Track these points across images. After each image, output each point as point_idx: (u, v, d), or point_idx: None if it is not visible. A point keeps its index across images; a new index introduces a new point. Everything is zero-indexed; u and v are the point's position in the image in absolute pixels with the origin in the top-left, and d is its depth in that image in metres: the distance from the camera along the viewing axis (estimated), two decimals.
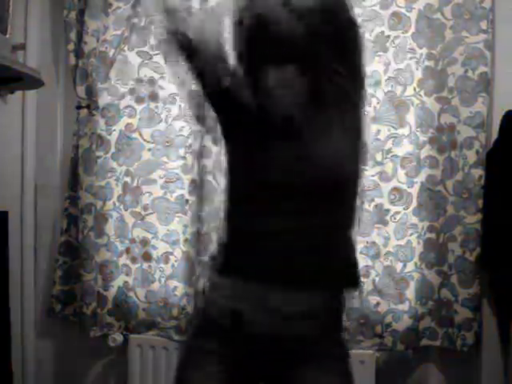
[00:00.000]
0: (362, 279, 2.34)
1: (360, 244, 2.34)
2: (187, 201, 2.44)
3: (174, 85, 2.42)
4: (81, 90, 2.45)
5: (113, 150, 2.47)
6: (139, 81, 2.47)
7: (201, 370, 1.38)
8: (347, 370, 1.43)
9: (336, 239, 1.40)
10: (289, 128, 1.36)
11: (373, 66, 2.33)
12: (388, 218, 2.34)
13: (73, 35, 2.45)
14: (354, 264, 1.44)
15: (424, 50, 2.31)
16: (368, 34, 2.32)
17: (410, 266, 2.33)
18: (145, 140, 2.47)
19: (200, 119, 2.22)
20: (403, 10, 2.32)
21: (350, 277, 1.43)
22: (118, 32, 2.44)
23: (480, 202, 2.26)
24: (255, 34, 1.33)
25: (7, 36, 2.05)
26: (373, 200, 2.34)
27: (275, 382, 1.43)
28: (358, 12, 2.34)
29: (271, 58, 1.33)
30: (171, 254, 2.45)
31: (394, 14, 2.32)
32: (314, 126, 1.36)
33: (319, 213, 1.36)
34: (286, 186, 1.34)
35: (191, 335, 1.49)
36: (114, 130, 2.47)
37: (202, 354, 1.40)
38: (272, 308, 1.34)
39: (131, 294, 2.47)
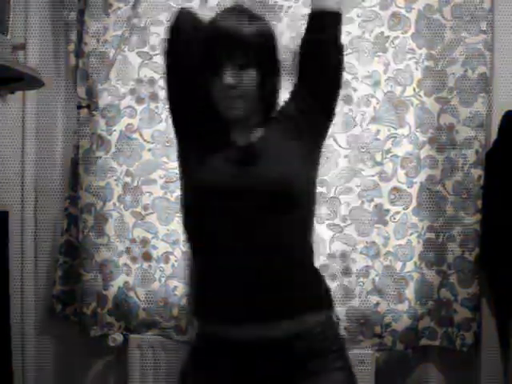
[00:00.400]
0: (362, 280, 2.34)
1: (360, 244, 2.34)
2: None
3: None
4: (81, 91, 2.45)
5: (113, 150, 2.47)
6: (139, 81, 2.47)
7: None
8: (349, 379, 1.44)
9: (300, 268, 1.42)
10: (241, 134, 1.44)
11: (372, 66, 2.34)
12: (388, 217, 2.34)
13: (73, 35, 2.45)
14: (318, 289, 1.46)
15: (423, 51, 2.31)
16: (367, 35, 2.33)
17: (410, 266, 2.33)
18: (145, 140, 2.47)
19: None
20: (403, 11, 2.32)
21: (316, 301, 1.44)
22: (118, 32, 2.44)
23: (479, 202, 2.26)
24: (217, 38, 1.41)
25: (7, 36, 2.05)
26: (373, 200, 2.34)
27: None
28: (357, 12, 2.35)
29: (230, 59, 1.40)
30: (171, 253, 2.45)
31: (394, 15, 2.33)
32: (267, 139, 1.44)
33: (275, 238, 1.37)
34: (237, 203, 1.36)
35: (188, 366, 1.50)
36: (115, 130, 2.47)
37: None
38: (260, 337, 1.36)
39: (131, 293, 2.47)
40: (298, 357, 1.38)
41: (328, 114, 1.51)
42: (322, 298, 1.46)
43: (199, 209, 1.42)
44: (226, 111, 1.44)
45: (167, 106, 1.58)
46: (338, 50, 1.49)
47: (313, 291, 1.43)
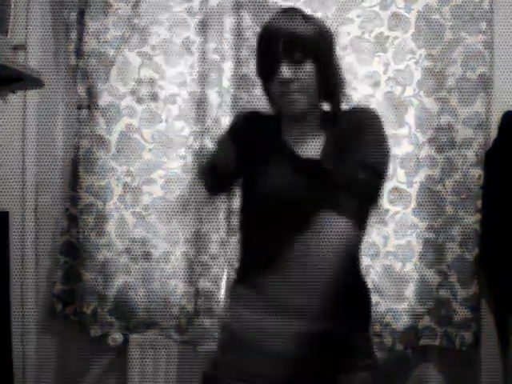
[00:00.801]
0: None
1: None
2: (187, 201, 2.44)
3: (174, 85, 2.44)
4: (81, 91, 2.46)
5: (113, 150, 2.47)
6: (139, 81, 2.47)
7: None
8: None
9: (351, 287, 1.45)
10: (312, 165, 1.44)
11: (372, 66, 2.34)
12: (388, 217, 2.34)
13: (73, 35, 2.45)
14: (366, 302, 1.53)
15: (423, 51, 2.32)
16: (367, 35, 2.33)
17: (410, 266, 2.33)
18: (145, 140, 2.48)
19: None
20: (402, 11, 2.33)
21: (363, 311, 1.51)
22: (119, 32, 2.44)
23: (479, 202, 2.26)
24: (271, 39, 1.44)
25: (8, 36, 2.05)
26: None
27: None
28: (357, 13, 2.35)
29: (287, 54, 1.42)
30: (171, 253, 2.46)
31: (394, 15, 2.33)
32: (331, 151, 1.46)
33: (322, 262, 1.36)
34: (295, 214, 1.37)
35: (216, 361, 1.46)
36: (115, 130, 2.47)
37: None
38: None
39: (131, 293, 2.47)
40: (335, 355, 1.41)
41: None
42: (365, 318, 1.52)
43: (257, 218, 1.45)
44: (285, 107, 1.45)
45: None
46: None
47: (363, 306, 1.50)
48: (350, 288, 1.43)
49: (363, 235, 1.45)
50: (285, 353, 1.31)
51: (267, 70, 1.45)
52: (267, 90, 1.50)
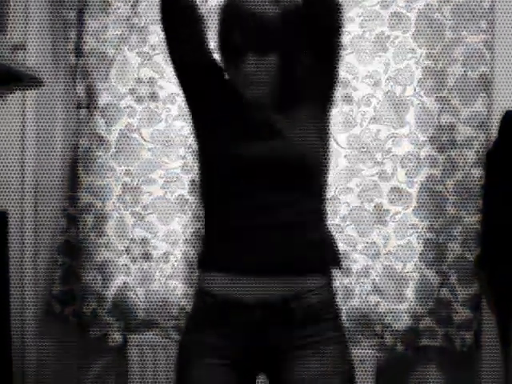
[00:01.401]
0: (362, 280, 2.34)
1: (360, 244, 2.34)
2: (187, 201, 2.44)
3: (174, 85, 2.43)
4: (80, 90, 2.45)
5: (113, 149, 2.47)
6: (139, 81, 2.46)
7: (201, 364, 1.39)
8: (343, 353, 1.41)
9: (308, 226, 1.42)
10: (262, 116, 1.41)
11: (373, 65, 2.34)
12: (388, 218, 2.34)
13: (72, 35, 2.45)
14: (330, 244, 1.46)
15: (424, 50, 2.31)
16: (368, 34, 2.33)
17: (410, 266, 2.33)
18: (145, 140, 2.47)
19: None
20: (403, 10, 2.32)
21: (329, 257, 1.45)
22: (118, 32, 2.44)
23: (480, 202, 2.26)
24: (236, 23, 1.37)
25: (7, 36, 2.05)
26: (372, 200, 2.34)
27: (275, 371, 1.42)
28: (358, 12, 2.35)
29: (251, 45, 1.36)
30: (171, 253, 2.45)
31: (394, 14, 2.33)
32: (285, 115, 1.41)
33: (289, 203, 1.38)
34: (257, 173, 1.37)
35: (187, 330, 1.49)
36: (114, 130, 2.47)
37: (200, 347, 1.40)
38: (255, 298, 1.36)
39: (131, 293, 2.47)
40: (296, 317, 1.38)
41: (332, 74, 1.48)
42: (328, 261, 1.45)
43: (218, 177, 1.41)
44: (245, 95, 1.41)
45: (174, 71, 1.52)
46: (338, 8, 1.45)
47: (321, 252, 1.43)
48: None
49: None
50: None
51: (229, 53, 1.40)
52: (228, 74, 1.44)
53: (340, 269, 1.48)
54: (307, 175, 1.41)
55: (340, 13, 1.46)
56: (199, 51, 1.49)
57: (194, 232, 2.42)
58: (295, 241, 1.38)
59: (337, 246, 1.48)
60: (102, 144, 2.45)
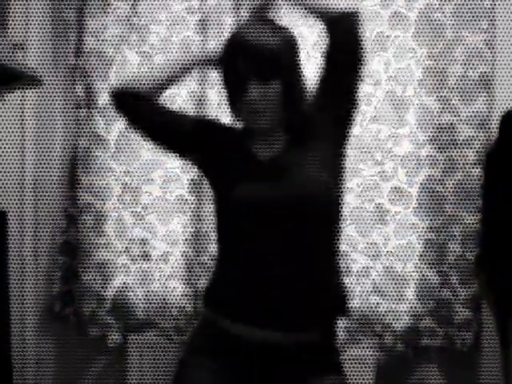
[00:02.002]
0: (362, 280, 2.34)
1: (360, 244, 2.34)
2: (187, 201, 2.43)
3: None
4: (80, 90, 2.45)
5: (112, 149, 2.47)
6: None
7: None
8: None
9: (322, 279, 1.43)
10: (269, 155, 1.45)
11: (373, 65, 2.33)
12: (388, 217, 2.33)
13: (72, 34, 2.45)
14: (341, 295, 1.47)
15: (424, 50, 2.31)
16: (368, 34, 2.32)
17: (410, 266, 2.33)
18: (144, 140, 2.46)
19: None
20: (403, 10, 2.32)
21: (339, 308, 1.47)
22: (118, 31, 2.43)
23: (480, 202, 2.25)
24: (239, 53, 1.42)
25: (7, 35, 2.04)
26: (373, 200, 2.34)
27: None
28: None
29: (253, 72, 1.40)
30: (171, 253, 2.45)
31: (394, 14, 2.32)
32: (294, 153, 1.45)
33: (302, 256, 1.39)
34: (266, 215, 1.38)
35: (187, 352, 1.50)
36: (114, 130, 2.46)
37: (198, 369, 1.43)
38: (261, 345, 1.38)
39: (130, 294, 2.47)
40: (299, 369, 1.40)
41: (349, 109, 1.50)
42: (338, 313, 1.48)
43: (233, 221, 1.44)
44: (251, 125, 1.45)
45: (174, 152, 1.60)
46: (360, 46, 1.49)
47: (333, 308, 1.46)
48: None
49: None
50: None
51: (233, 83, 1.43)
52: (233, 107, 1.48)
53: (345, 316, 1.52)
54: (318, 216, 1.41)
55: (362, 47, 1.48)
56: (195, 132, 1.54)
57: (193, 232, 2.41)
58: (309, 297, 1.39)
59: (345, 295, 1.49)
60: (102, 144, 2.45)
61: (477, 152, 2.27)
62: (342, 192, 1.49)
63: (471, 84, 2.26)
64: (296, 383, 1.40)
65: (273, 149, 1.47)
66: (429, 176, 2.31)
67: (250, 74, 1.39)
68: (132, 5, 2.43)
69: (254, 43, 1.40)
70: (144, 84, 1.53)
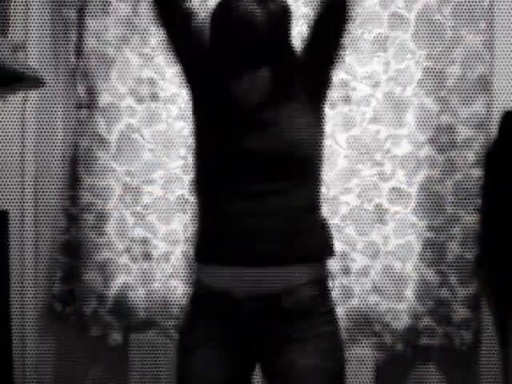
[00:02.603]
0: (362, 279, 2.35)
1: (360, 243, 2.35)
2: (187, 201, 2.44)
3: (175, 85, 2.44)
4: (81, 90, 2.46)
5: (113, 150, 2.47)
6: (139, 81, 2.47)
7: (200, 355, 1.41)
8: (335, 348, 1.42)
9: (297, 215, 1.42)
10: (252, 110, 1.43)
11: (372, 66, 2.34)
12: (387, 217, 2.34)
13: (73, 35, 2.45)
14: (321, 233, 1.45)
15: (423, 51, 2.32)
16: (367, 35, 2.33)
17: (410, 266, 2.33)
18: (145, 140, 2.47)
19: None
20: (402, 11, 2.33)
21: (320, 246, 1.45)
22: (119, 32, 2.44)
23: (479, 202, 2.26)
24: (227, 31, 1.42)
25: (8, 36, 2.05)
26: (372, 200, 2.34)
27: (265, 364, 1.44)
28: (357, 12, 2.35)
29: (240, 46, 1.41)
30: (171, 253, 2.46)
31: (394, 15, 2.33)
32: (276, 109, 1.43)
33: (282, 193, 1.39)
34: (248, 163, 1.39)
35: (184, 318, 1.50)
36: (115, 130, 2.47)
37: (196, 335, 1.43)
38: (243, 290, 1.37)
39: (131, 293, 2.47)
40: (287, 312, 1.38)
41: (329, 74, 1.51)
42: (322, 251, 1.46)
43: (211, 169, 1.44)
44: (236, 95, 1.45)
45: (174, 54, 1.54)
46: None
47: (311, 241, 1.43)
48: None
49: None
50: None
51: (221, 62, 1.44)
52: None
53: (332, 256, 1.47)
54: (297, 165, 1.42)
55: (351, 13, 1.53)
56: (197, 40, 1.51)
57: (194, 232, 2.42)
58: (284, 229, 1.38)
59: (330, 235, 1.47)
60: (103, 144, 2.46)
61: (476, 152, 2.28)
62: (319, 145, 1.49)
63: (470, 85, 2.27)
64: (285, 332, 1.38)
65: (254, 90, 1.45)
66: (428, 176, 2.32)
67: (238, 57, 1.41)
68: (133, 5, 2.44)
69: (242, 17, 1.39)
70: None
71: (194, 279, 1.50)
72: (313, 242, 1.42)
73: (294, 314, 1.38)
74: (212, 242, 1.42)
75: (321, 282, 1.43)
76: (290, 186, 1.40)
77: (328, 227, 1.48)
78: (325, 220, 1.48)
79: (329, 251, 1.46)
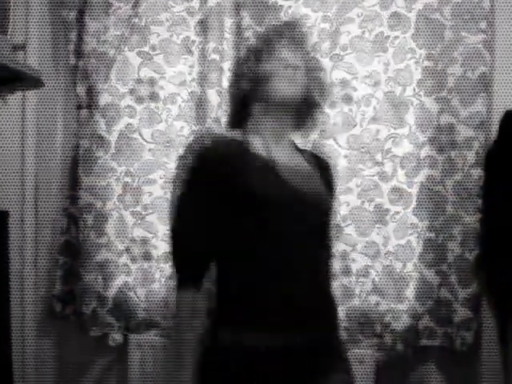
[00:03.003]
0: (362, 279, 2.35)
1: (360, 244, 2.34)
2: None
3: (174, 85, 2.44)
4: (81, 90, 2.45)
5: (113, 150, 2.47)
6: (139, 81, 2.47)
7: None
8: None
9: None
10: None
11: (372, 66, 2.34)
12: (388, 217, 2.34)
13: (73, 35, 2.45)
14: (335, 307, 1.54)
15: (423, 50, 2.31)
16: (367, 35, 2.33)
17: (410, 266, 2.33)
18: (145, 140, 2.47)
19: None
20: (403, 11, 2.33)
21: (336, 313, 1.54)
22: (119, 32, 2.44)
23: (479, 202, 2.26)
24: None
25: (7, 36, 2.05)
26: (373, 200, 2.34)
27: None
28: (357, 12, 2.35)
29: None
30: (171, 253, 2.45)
31: (394, 15, 2.33)
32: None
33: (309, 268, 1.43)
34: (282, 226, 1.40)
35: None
36: (114, 130, 2.47)
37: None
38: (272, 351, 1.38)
39: (131, 293, 2.47)
40: (309, 370, 1.41)
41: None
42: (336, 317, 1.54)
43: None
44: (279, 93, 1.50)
45: None
46: None
47: (335, 311, 1.53)
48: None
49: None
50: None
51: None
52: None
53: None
54: (326, 233, 1.51)
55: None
56: None
57: None
58: (321, 303, 1.46)
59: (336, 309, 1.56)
60: (103, 144, 2.46)
61: (476, 153, 2.27)
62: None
63: (470, 85, 2.27)
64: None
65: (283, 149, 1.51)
66: (428, 176, 2.32)
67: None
68: (133, 5, 2.44)
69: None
70: None
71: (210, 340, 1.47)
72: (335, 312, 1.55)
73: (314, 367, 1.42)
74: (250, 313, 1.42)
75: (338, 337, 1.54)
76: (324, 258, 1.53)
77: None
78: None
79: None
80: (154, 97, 2.46)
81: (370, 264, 2.34)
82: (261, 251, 1.40)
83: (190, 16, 2.45)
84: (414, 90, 2.33)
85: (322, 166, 1.58)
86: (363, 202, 2.35)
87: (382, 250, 2.34)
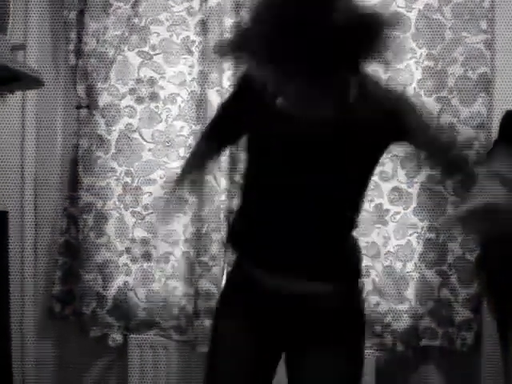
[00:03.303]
0: (362, 280, 2.34)
1: (360, 244, 2.34)
2: (187, 201, 2.44)
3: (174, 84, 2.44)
4: (81, 90, 2.45)
5: (113, 150, 2.47)
6: (139, 81, 2.47)
7: (234, 322, 1.46)
8: (358, 357, 1.49)
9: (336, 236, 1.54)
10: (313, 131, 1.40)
11: (372, 65, 2.33)
12: (388, 217, 2.34)
13: (73, 35, 2.45)
14: (352, 258, 1.57)
15: (424, 50, 2.31)
16: None
17: (410, 266, 2.33)
18: (145, 140, 2.47)
19: None
20: (403, 10, 2.32)
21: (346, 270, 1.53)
22: (118, 32, 2.44)
23: None
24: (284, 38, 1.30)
25: (7, 36, 2.05)
26: (373, 200, 2.34)
27: (296, 355, 1.46)
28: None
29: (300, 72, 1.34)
30: (171, 254, 2.45)
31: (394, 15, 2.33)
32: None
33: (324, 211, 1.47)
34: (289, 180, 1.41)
35: (221, 302, 1.55)
36: (114, 130, 2.47)
37: (237, 309, 1.46)
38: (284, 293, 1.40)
39: (131, 293, 2.47)
40: (312, 319, 1.42)
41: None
42: (352, 269, 1.56)
43: (264, 156, 1.44)
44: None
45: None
46: None
47: (347, 259, 1.55)
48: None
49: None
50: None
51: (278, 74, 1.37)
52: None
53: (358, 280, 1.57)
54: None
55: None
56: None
57: (194, 232, 2.41)
58: (322, 248, 1.49)
59: (359, 258, 1.59)
60: (103, 144, 2.45)
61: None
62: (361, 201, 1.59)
63: (470, 84, 2.26)
64: (317, 332, 1.42)
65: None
66: (428, 176, 2.31)
67: (296, 72, 1.33)
68: (132, 5, 2.44)
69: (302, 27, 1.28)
70: None
71: (234, 265, 1.53)
72: (348, 260, 1.57)
73: (319, 321, 1.42)
74: (254, 244, 1.44)
75: (349, 295, 1.51)
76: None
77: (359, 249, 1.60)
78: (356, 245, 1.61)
79: (355, 277, 1.57)
80: (153, 97, 2.46)
81: (370, 264, 2.33)
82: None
83: (189, 16, 2.44)
84: (415, 89, 2.33)
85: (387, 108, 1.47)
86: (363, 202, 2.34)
87: (382, 250, 2.34)
